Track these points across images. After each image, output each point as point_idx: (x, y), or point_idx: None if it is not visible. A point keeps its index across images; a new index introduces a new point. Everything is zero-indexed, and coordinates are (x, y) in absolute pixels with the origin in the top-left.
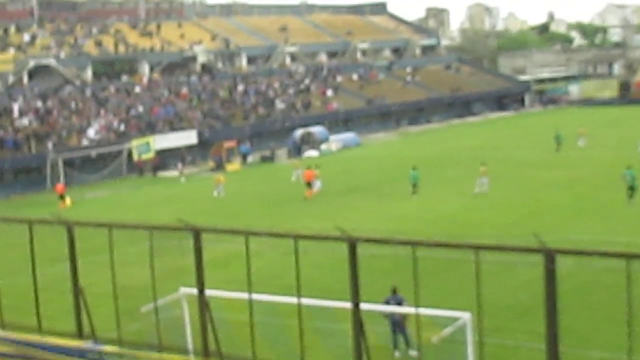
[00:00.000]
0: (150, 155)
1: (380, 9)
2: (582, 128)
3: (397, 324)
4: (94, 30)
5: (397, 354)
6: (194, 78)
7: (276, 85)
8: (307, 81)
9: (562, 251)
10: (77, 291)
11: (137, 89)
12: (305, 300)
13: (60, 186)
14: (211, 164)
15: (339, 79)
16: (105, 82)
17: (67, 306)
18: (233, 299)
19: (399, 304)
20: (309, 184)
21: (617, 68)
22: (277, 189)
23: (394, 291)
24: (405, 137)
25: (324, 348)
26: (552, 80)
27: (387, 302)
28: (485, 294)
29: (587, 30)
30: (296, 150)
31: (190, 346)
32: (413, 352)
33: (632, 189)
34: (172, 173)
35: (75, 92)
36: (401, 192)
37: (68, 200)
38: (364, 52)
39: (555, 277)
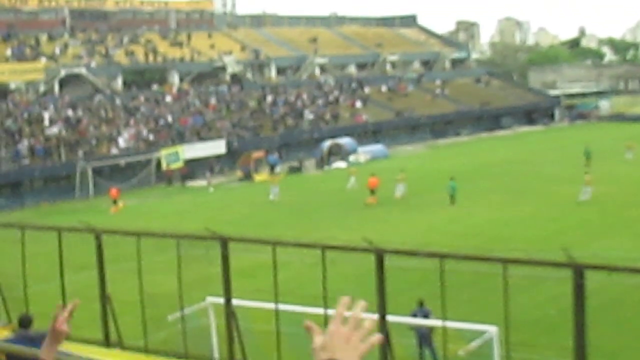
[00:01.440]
0: (179, 164)
1: (411, 21)
2: (630, 141)
3: (424, 337)
4: (125, 39)
5: None
6: (223, 88)
7: (305, 96)
8: (336, 92)
9: (591, 266)
10: (104, 299)
11: (167, 99)
12: (331, 311)
13: (114, 190)
14: (239, 174)
15: (368, 90)
16: (135, 91)
17: (95, 314)
18: (260, 309)
19: (426, 316)
20: (373, 191)
21: None
22: (305, 199)
23: (421, 304)
24: (434, 150)
25: None
26: (583, 95)
27: (414, 315)
28: (512, 308)
29: (618, 46)
30: (324, 161)
31: (216, 355)
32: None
33: None
34: (200, 182)
35: (105, 101)
36: (429, 204)
37: (121, 204)
38: (393, 64)
39: (584, 293)
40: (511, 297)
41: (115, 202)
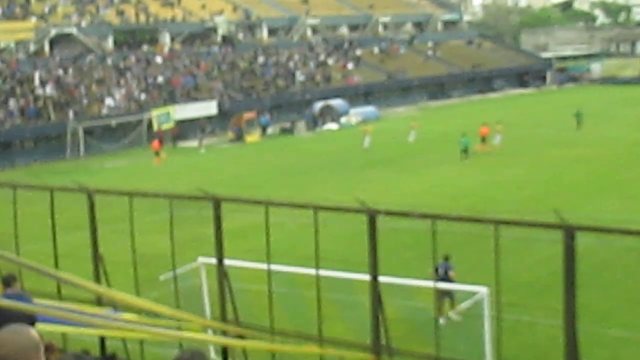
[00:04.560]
0: (170, 125)
1: None
2: None
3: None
4: None
5: (441, 320)
6: (214, 49)
7: (296, 57)
8: (327, 54)
9: (582, 228)
10: (96, 259)
11: (158, 59)
12: (323, 272)
13: (155, 142)
14: (231, 134)
15: (360, 52)
16: (126, 51)
17: (87, 274)
18: (251, 269)
19: (446, 271)
20: (484, 139)
21: None
22: (296, 160)
23: (446, 258)
24: (425, 112)
25: (341, 319)
26: (574, 58)
27: (436, 268)
28: (503, 269)
29: (610, 9)
30: (315, 123)
31: (208, 315)
32: (455, 317)
33: None
34: (191, 143)
35: (96, 61)
36: (421, 166)
37: (164, 155)
38: (385, 26)
39: (575, 254)
40: (502, 258)
41: (157, 153)
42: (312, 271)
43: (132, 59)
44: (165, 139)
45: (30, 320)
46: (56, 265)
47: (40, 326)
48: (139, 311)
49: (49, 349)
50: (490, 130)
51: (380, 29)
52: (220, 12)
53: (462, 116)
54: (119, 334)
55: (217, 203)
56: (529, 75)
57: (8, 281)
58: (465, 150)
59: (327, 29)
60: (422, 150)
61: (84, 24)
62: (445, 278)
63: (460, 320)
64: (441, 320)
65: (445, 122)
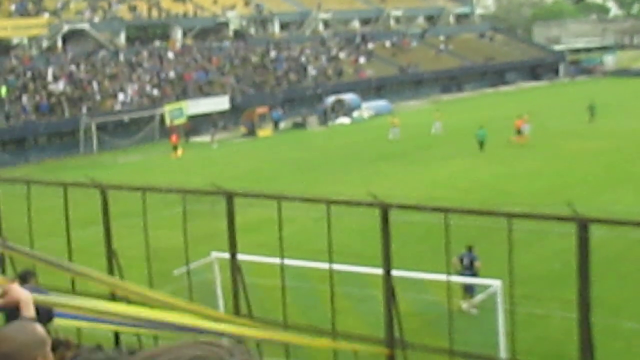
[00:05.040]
0: (182, 120)
1: None
2: None
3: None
4: None
5: (465, 305)
6: (226, 44)
7: (308, 51)
8: (339, 48)
9: (595, 220)
10: (110, 254)
11: (170, 54)
12: (336, 266)
13: (174, 137)
14: (243, 129)
15: (372, 46)
16: (138, 47)
17: (101, 269)
18: (265, 264)
19: (472, 261)
20: (519, 131)
21: None
22: (309, 155)
23: (470, 248)
24: (438, 106)
25: (355, 313)
26: (587, 50)
27: (461, 258)
28: (517, 262)
29: (623, 1)
30: (327, 117)
31: (221, 309)
32: (474, 310)
33: None
34: (204, 138)
35: (108, 57)
36: (433, 159)
37: (180, 151)
38: (397, 20)
39: (588, 246)
40: (515, 251)
41: (175, 147)
42: (325, 265)
43: (145, 54)
44: (178, 134)
45: (49, 315)
46: (70, 260)
47: (57, 321)
48: (153, 304)
49: (66, 345)
50: (523, 121)
51: (392, 22)
52: (232, 7)
53: (475, 109)
54: (134, 329)
55: (229, 198)
56: (541, 68)
57: (25, 277)
58: (481, 143)
59: (339, 23)
60: (436, 143)
61: (96, 19)
62: (471, 268)
63: (477, 313)
64: (465, 305)
65: (459, 115)
